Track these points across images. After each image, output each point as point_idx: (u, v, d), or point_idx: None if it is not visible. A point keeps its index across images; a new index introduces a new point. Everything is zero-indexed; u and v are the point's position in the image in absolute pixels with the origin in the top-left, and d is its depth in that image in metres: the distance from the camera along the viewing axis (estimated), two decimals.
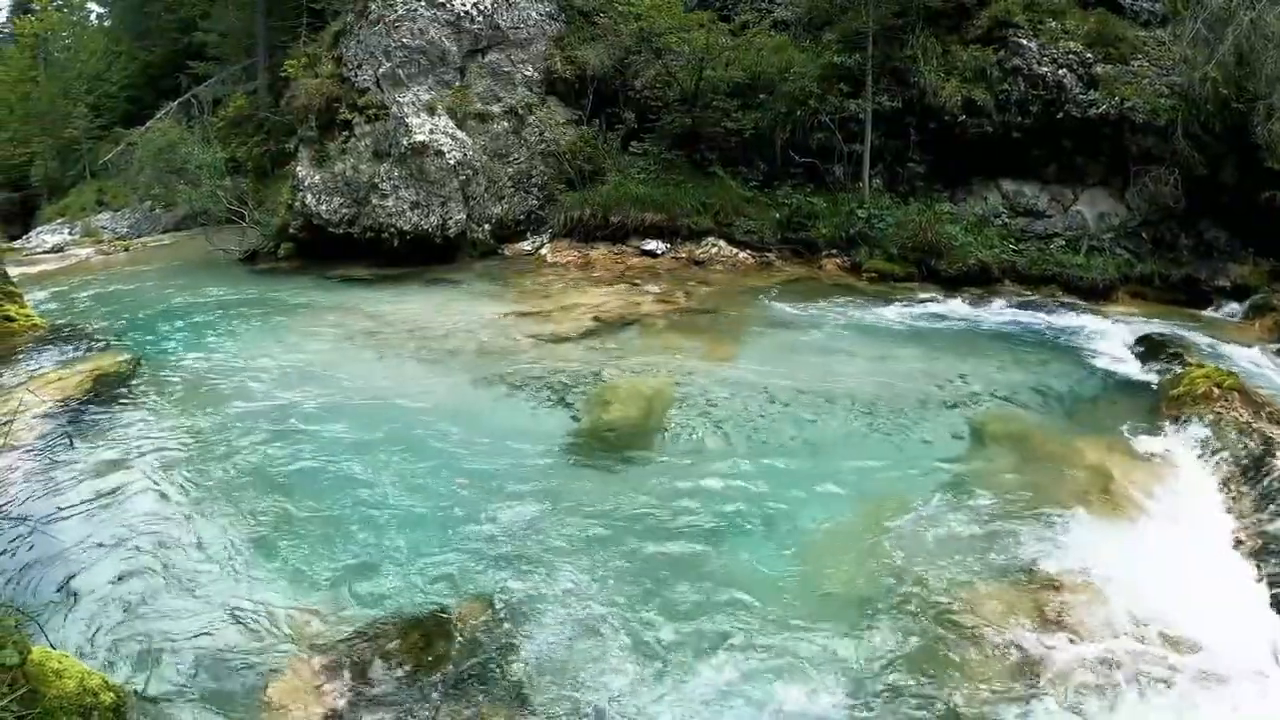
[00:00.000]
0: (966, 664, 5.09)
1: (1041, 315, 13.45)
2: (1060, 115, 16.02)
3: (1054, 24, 16.76)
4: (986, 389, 9.81)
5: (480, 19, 19.23)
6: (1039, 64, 16.29)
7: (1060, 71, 16.07)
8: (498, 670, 5.01)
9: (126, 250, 25.77)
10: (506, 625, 5.42)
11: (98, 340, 12.32)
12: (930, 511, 6.84)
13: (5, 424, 8.25)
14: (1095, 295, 14.60)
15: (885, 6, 17.44)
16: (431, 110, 18.32)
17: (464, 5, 19.05)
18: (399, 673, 4.98)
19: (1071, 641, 5.25)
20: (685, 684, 4.93)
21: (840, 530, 6.58)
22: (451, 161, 17.85)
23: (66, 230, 31.61)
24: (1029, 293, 14.76)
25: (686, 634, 5.35)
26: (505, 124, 19.26)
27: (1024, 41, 16.60)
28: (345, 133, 19.01)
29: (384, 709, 4.70)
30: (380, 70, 18.63)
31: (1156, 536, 6.51)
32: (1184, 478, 7.46)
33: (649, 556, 6.22)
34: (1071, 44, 16.32)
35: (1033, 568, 6.03)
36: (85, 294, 17.55)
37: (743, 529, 6.63)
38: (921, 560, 6.11)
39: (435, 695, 4.80)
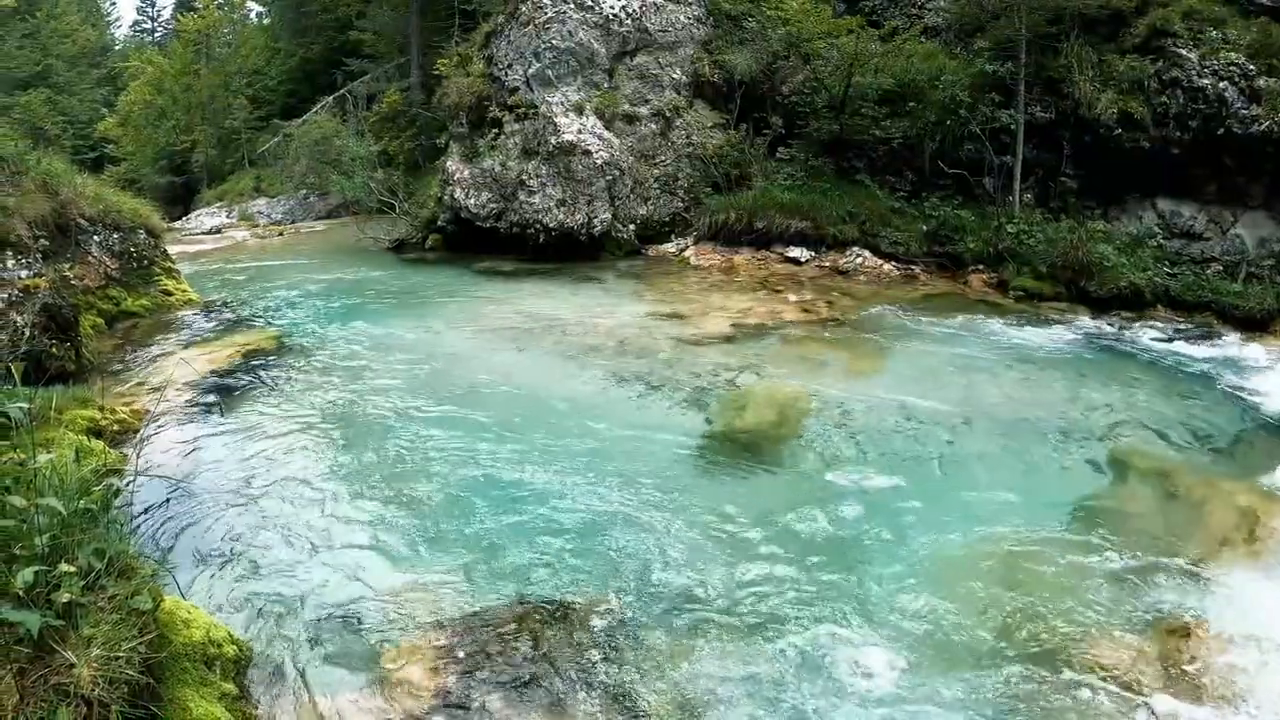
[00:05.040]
0: (1084, 711, 4.86)
1: (1194, 345, 12.80)
2: (1221, 131, 15.15)
3: (1215, 33, 15.82)
4: (1131, 420, 9.42)
5: (628, 22, 19.50)
6: (1199, 76, 15.44)
7: (1221, 84, 15.19)
8: (611, 666, 5.03)
9: (280, 235, 27.04)
10: (624, 621, 5.44)
11: (248, 317, 13.13)
12: (1061, 544, 6.60)
13: (159, 389, 8.81)
14: (1252, 326, 13.68)
15: (1038, 13, 16.85)
16: (580, 110, 18.66)
17: (612, 8, 19.36)
18: (514, 658, 5.02)
19: (1202, 697, 4.99)
20: (794, 697, 4.89)
21: (966, 554, 6.41)
22: (598, 161, 18.15)
23: (224, 214, 33.30)
24: (1181, 320, 14.07)
25: (801, 646, 5.28)
26: (652, 126, 19.47)
27: (1183, 52, 15.79)
28: (495, 130, 19.60)
29: (495, 691, 4.75)
30: (530, 70, 19.07)
31: None
32: None
33: (772, 563, 6.18)
34: (1233, 55, 15.40)
35: (1165, 613, 5.75)
36: (239, 274, 18.58)
37: (868, 543, 6.53)
38: (1046, 594, 5.91)
39: (546, 682, 4.84)
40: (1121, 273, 14.78)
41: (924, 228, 17.08)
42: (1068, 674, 5.13)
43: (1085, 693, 4.97)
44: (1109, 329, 13.56)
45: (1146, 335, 13.29)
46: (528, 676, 4.88)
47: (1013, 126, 16.89)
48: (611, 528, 6.61)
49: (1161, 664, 5.24)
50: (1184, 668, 5.21)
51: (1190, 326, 13.69)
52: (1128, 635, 5.50)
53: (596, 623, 5.41)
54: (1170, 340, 13.09)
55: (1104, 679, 5.09)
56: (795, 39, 18.83)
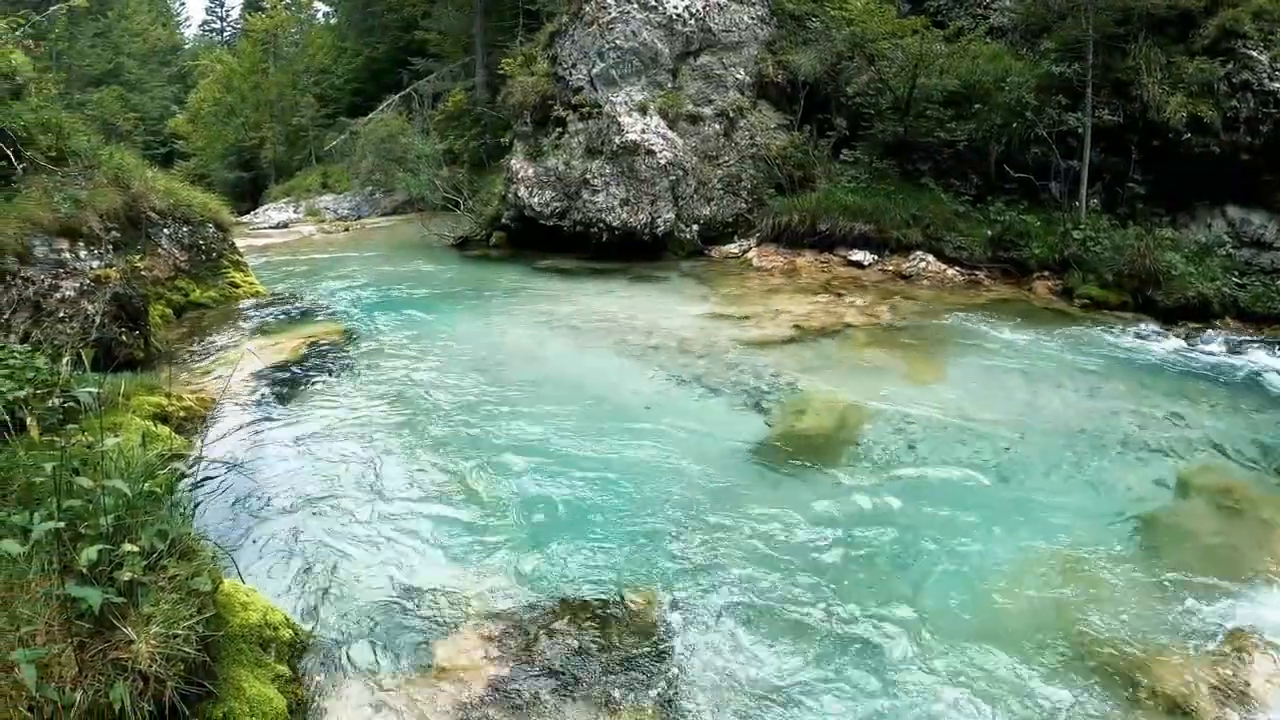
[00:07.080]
0: None
1: (1264, 358, 12.30)
2: None
3: None
4: (1197, 435, 9.11)
5: (692, 22, 19.60)
6: (1270, 79, 15.02)
7: None
8: (661, 663, 5.02)
9: (346, 230, 27.56)
10: (674, 620, 5.43)
11: (313, 309, 13.49)
12: (1118, 558, 6.45)
13: (224, 378, 9.08)
14: None
15: (1106, 13, 16.50)
16: (643, 110, 18.80)
17: (676, 8, 19.46)
18: (564, 650, 5.05)
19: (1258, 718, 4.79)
20: (845, 696, 4.86)
21: (1022, 567, 6.29)
22: (662, 161, 18.29)
23: (291, 209, 34.01)
24: (1250, 332, 13.61)
25: (848, 653, 5.22)
26: (716, 126, 19.56)
27: (1254, 54, 15.32)
28: (559, 129, 19.84)
29: (545, 682, 4.79)
30: (594, 70, 19.26)
31: None
32: None
33: (823, 568, 6.13)
34: None
35: (1222, 633, 5.59)
36: (305, 267, 19.10)
37: (922, 552, 6.44)
38: (1102, 609, 5.78)
39: (596, 677, 4.86)
40: (1189, 282, 14.42)
41: (988, 232, 16.83)
42: (1119, 690, 5.03)
43: (1137, 711, 4.89)
44: (1175, 340, 13.18)
45: (1215, 347, 12.88)
46: (578, 671, 4.92)
47: (1079, 130, 16.55)
48: (667, 525, 6.64)
49: (1217, 685, 5.13)
50: (1241, 690, 5.10)
51: (1261, 339, 13.22)
52: (1183, 654, 5.39)
53: (648, 619, 5.44)
54: (1238, 352, 12.67)
55: (1157, 698, 5.00)
56: (859, 39, 18.70)
